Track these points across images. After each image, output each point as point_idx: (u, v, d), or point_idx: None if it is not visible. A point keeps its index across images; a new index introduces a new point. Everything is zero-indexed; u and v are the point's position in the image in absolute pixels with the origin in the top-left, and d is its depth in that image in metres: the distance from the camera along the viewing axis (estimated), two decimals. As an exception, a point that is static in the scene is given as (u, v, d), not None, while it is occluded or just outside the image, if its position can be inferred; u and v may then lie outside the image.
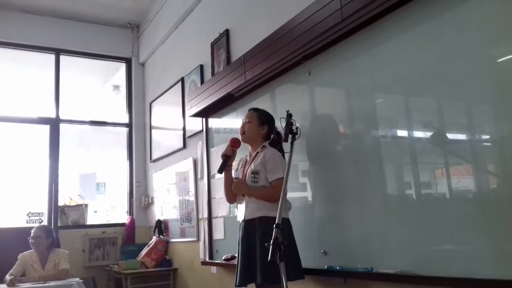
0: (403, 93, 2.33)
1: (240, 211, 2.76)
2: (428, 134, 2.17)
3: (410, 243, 2.19)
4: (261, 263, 2.44)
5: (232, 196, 2.82)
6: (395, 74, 2.32)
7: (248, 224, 2.64)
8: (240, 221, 2.74)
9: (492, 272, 1.81)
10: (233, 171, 2.88)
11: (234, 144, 2.80)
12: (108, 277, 5.25)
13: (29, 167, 5.81)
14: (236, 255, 2.80)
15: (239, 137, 2.82)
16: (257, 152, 2.73)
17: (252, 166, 2.69)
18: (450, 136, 2.12)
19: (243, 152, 2.90)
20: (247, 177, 2.70)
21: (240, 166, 2.87)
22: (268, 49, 2.94)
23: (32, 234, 4.18)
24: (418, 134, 2.25)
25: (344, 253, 2.56)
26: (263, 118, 2.79)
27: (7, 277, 3.90)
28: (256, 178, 2.64)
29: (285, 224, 2.50)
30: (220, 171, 2.77)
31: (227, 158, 2.77)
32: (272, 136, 2.76)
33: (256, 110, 2.86)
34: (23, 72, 6.26)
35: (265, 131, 2.76)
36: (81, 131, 6.28)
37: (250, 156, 2.80)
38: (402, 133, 2.37)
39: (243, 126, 2.80)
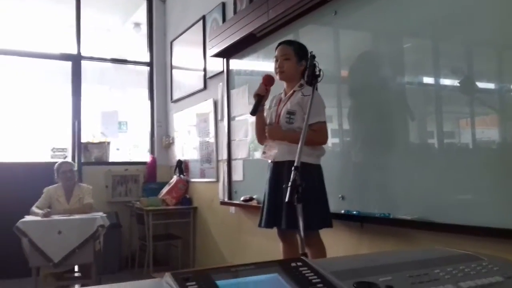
0: (432, 38, 2.23)
1: (269, 152, 2.57)
2: (456, 81, 2.09)
3: (429, 191, 2.17)
4: (288, 209, 2.30)
5: (265, 138, 2.60)
6: (425, 17, 2.21)
7: (277, 166, 2.49)
8: (269, 162, 2.58)
9: (511, 222, 1.78)
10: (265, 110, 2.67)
11: (268, 82, 2.53)
12: (130, 212, 5.44)
13: (53, 103, 5.89)
14: (259, 196, 2.75)
15: (275, 75, 2.57)
16: (294, 91, 2.51)
17: (288, 105, 2.49)
18: (479, 84, 2.04)
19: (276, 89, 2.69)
20: (281, 116, 2.51)
21: (273, 104, 2.63)
22: (293, -15, 2.81)
23: (65, 168, 4.27)
24: (446, 81, 2.18)
25: (362, 199, 2.57)
26: (300, 53, 2.52)
27: (35, 210, 4.06)
28: (292, 119, 2.44)
29: (317, 171, 2.44)
30: (253, 113, 2.55)
31: (261, 98, 2.53)
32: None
33: (290, 43, 2.58)
34: (44, 8, 6.19)
35: (303, 67, 2.46)
36: (103, 69, 6.26)
37: (285, 94, 2.58)
38: (428, 80, 2.30)
39: (281, 65, 2.53)
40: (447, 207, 2.08)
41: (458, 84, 2.08)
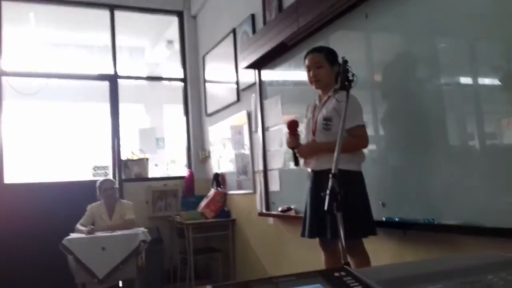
0: (468, 36, 2.16)
1: (310, 160, 2.53)
2: (496, 80, 2.00)
3: (474, 194, 2.08)
4: (332, 218, 2.19)
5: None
6: (460, 15, 2.14)
7: (317, 175, 2.45)
8: (309, 171, 2.56)
9: None
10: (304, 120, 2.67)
11: (293, 128, 2.55)
12: (171, 227, 5.50)
13: (92, 122, 6.08)
14: (296, 206, 2.71)
15: (311, 85, 2.56)
16: (329, 96, 2.47)
17: (324, 111, 2.45)
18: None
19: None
20: (317, 123, 2.48)
21: (309, 113, 2.61)
22: (322, -8, 2.79)
23: (107, 186, 4.41)
24: (485, 80, 2.10)
25: (403, 205, 2.49)
26: (331, 58, 2.49)
27: (80, 227, 4.18)
28: (329, 125, 2.40)
29: (358, 178, 2.40)
30: (297, 164, 2.55)
31: (295, 148, 2.55)
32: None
33: (319, 50, 2.54)
34: (81, 33, 6.43)
35: (336, 72, 2.40)
36: (138, 87, 6.42)
37: (320, 101, 2.55)
38: (466, 80, 2.21)
39: (315, 73, 2.50)
40: (495, 210, 1.98)
41: (499, 83, 1.99)
